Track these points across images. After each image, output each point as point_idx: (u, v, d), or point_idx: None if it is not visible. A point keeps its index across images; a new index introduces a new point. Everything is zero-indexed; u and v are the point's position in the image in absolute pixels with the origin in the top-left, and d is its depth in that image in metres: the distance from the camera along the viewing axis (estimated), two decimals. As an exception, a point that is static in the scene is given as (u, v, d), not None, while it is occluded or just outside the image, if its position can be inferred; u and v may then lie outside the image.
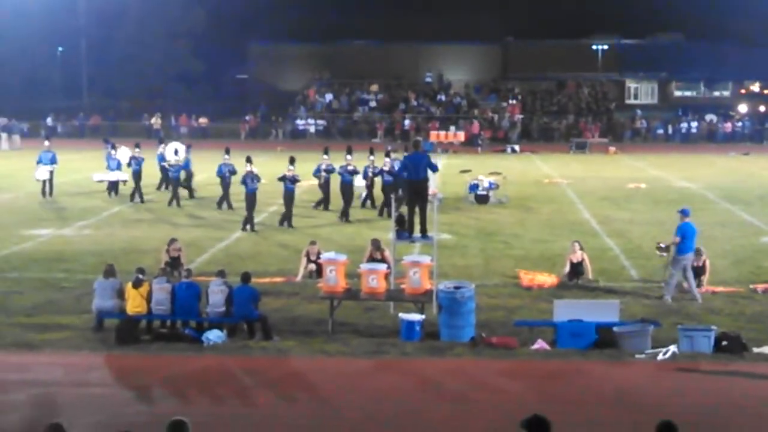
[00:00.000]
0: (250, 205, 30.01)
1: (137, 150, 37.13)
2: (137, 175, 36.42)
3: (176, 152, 37.93)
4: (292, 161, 31.31)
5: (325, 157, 33.39)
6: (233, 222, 30.81)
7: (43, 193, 37.36)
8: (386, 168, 32.95)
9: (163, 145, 39.74)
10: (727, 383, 15.81)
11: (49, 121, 75.23)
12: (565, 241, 26.07)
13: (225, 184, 33.71)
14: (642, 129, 76.16)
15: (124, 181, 37.86)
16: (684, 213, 21.25)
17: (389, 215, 32.55)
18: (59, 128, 74.65)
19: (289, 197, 30.65)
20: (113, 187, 37.81)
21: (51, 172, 37.70)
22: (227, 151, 34.17)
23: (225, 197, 34.06)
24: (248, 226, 29.76)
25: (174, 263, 22.05)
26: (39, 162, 38.06)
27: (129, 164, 37.24)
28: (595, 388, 15.55)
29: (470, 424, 13.89)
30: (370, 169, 34.28)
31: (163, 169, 38.41)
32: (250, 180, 30.24)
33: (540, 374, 16.11)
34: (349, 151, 33.52)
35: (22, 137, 66.07)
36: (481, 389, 15.38)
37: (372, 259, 21.06)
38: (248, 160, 30.74)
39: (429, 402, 14.71)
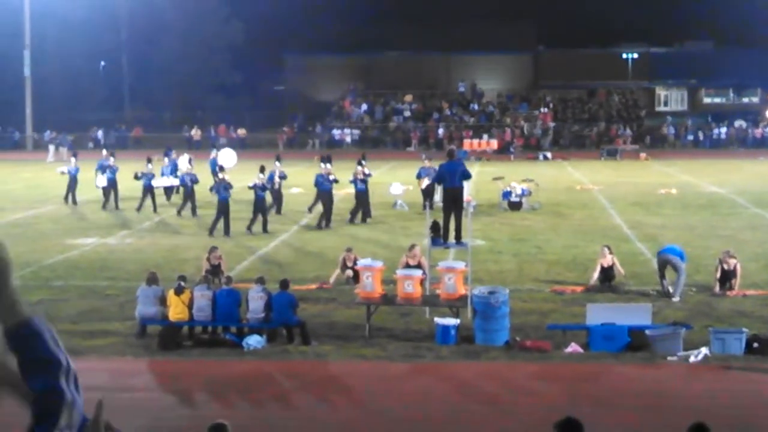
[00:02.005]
0: (223, 213, 29.97)
1: (111, 159, 37.04)
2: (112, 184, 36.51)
3: (190, 161, 37.63)
4: (262, 170, 31.42)
5: (325, 165, 32.80)
6: (271, 231, 30.76)
7: (106, 198, 37.28)
8: (360, 177, 32.88)
9: (215, 151, 39.73)
10: (758, 384, 15.70)
11: (99, 134, 76.38)
12: (597, 246, 25.87)
13: (186, 192, 33.61)
14: (670, 135, 75.75)
15: (177, 188, 37.80)
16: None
17: (363, 220, 32.63)
18: (103, 140, 75.47)
19: (260, 204, 30.75)
20: (169, 193, 38.12)
21: (108, 179, 37.73)
22: (189, 161, 34.16)
23: (184, 204, 33.91)
24: (227, 232, 29.79)
25: (215, 271, 22.11)
26: (98, 169, 38.26)
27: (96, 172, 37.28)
28: (627, 390, 15.47)
29: (505, 427, 13.86)
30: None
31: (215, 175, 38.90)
32: (223, 188, 30.24)
33: (573, 377, 16.05)
34: (328, 160, 33.12)
35: (68, 150, 66.76)
36: (515, 392, 15.35)
37: (407, 266, 21.05)
38: (220, 168, 30.85)
39: (464, 404, 14.69)
